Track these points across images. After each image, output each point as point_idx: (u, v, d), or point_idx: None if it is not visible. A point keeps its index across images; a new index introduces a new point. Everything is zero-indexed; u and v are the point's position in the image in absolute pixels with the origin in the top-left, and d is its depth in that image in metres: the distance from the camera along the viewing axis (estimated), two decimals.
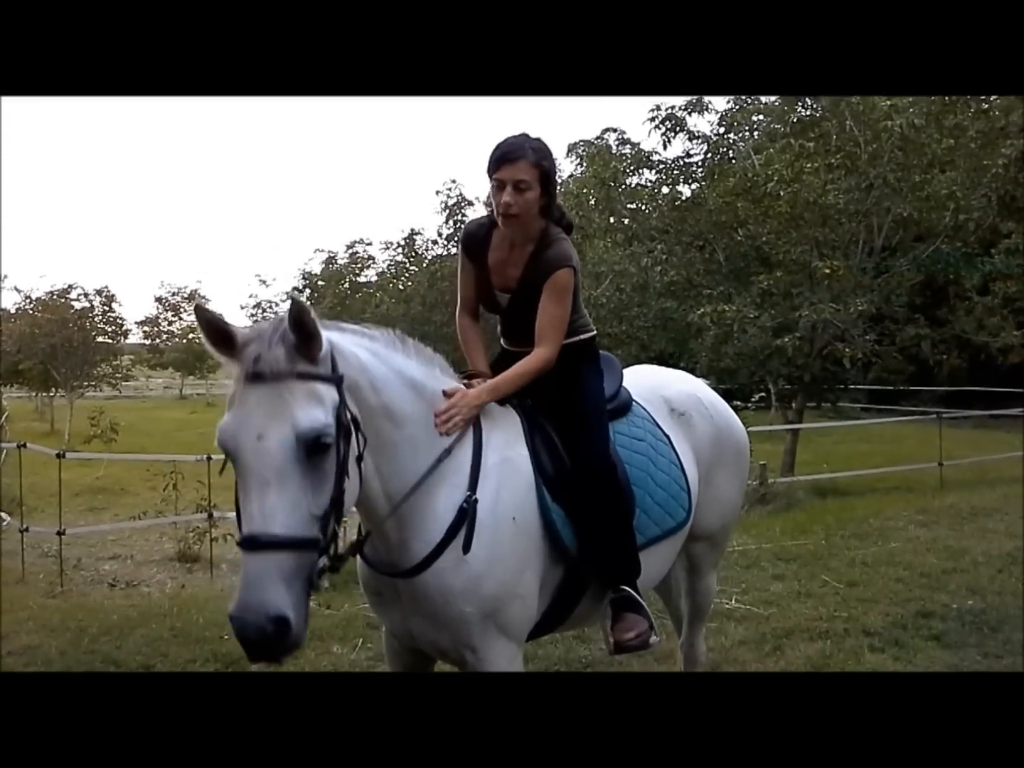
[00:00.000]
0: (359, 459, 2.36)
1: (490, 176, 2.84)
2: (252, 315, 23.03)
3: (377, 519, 2.58)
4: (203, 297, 42.25)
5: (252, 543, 2.10)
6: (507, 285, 3.00)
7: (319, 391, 2.23)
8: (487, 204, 3.07)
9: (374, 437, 2.46)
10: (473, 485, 2.64)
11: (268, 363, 2.18)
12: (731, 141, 15.80)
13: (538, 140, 2.90)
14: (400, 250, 21.45)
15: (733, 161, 14.91)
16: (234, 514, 2.24)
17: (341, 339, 2.44)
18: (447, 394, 2.68)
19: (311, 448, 2.16)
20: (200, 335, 2.28)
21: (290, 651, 2.13)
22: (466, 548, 2.57)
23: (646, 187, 15.57)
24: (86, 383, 26.55)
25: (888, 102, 12.14)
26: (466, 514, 2.59)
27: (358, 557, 2.80)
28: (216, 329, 2.26)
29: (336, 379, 2.30)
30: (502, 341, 3.21)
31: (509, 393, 2.85)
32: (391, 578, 2.68)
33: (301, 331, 2.21)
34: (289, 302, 2.22)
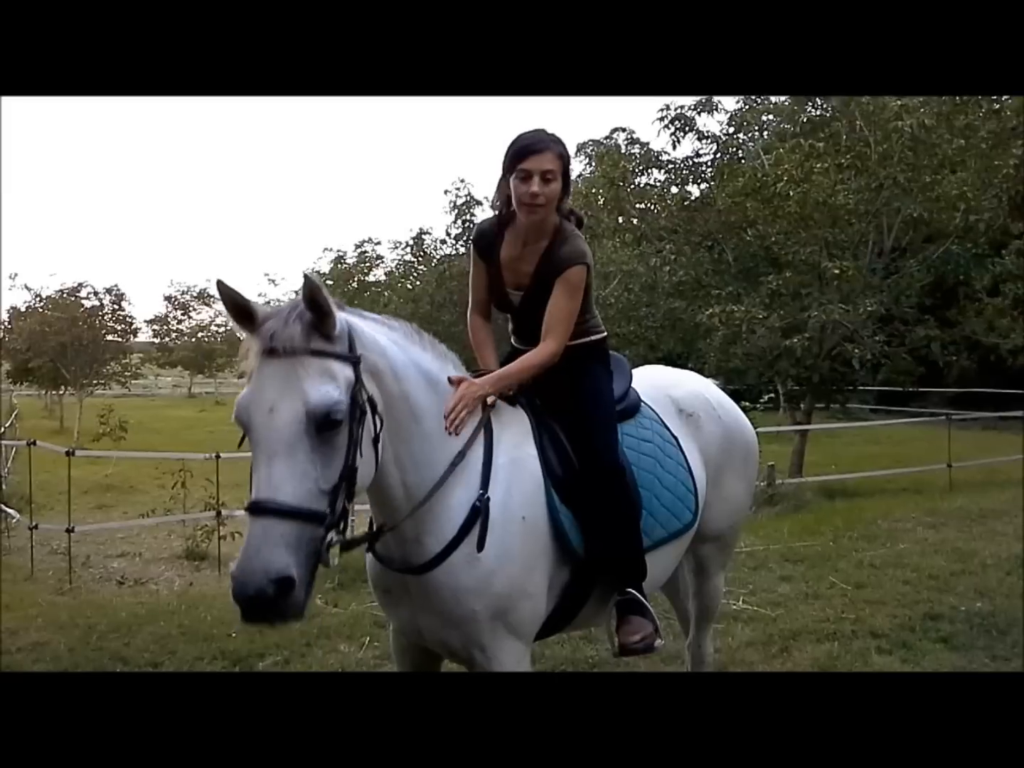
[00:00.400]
0: (375, 441, 2.38)
1: (512, 168, 2.82)
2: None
3: (394, 511, 2.58)
4: (211, 296, 42.51)
5: (257, 508, 2.13)
6: (519, 282, 2.99)
7: (332, 368, 2.27)
8: (494, 206, 3.05)
9: (395, 425, 2.49)
10: (485, 483, 2.65)
11: (283, 339, 2.23)
12: (740, 141, 15.76)
13: (555, 135, 2.91)
14: (408, 249, 21.48)
15: (742, 161, 14.87)
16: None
17: (362, 324, 2.48)
18: (452, 381, 2.68)
19: (321, 423, 2.19)
20: (223, 310, 2.34)
21: (288, 615, 2.12)
22: (480, 546, 2.58)
23: (655, 187, 15.53)
24: (95, 381, 26.64)
25: (898, 102, 12.08)
26: (479, 512, 2.60)
27: (368, 554, 2.82)
28: (237, 305, 2.32)
29: (352, 359, 2.33)
30: (512, 340, 3.20)
31: (513, 385, 2.85)
32: (401, 574, 2.68)
33: (315, 308, 2.27)
34: (303, 280, 2.26)
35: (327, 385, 2.23)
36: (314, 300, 2.26)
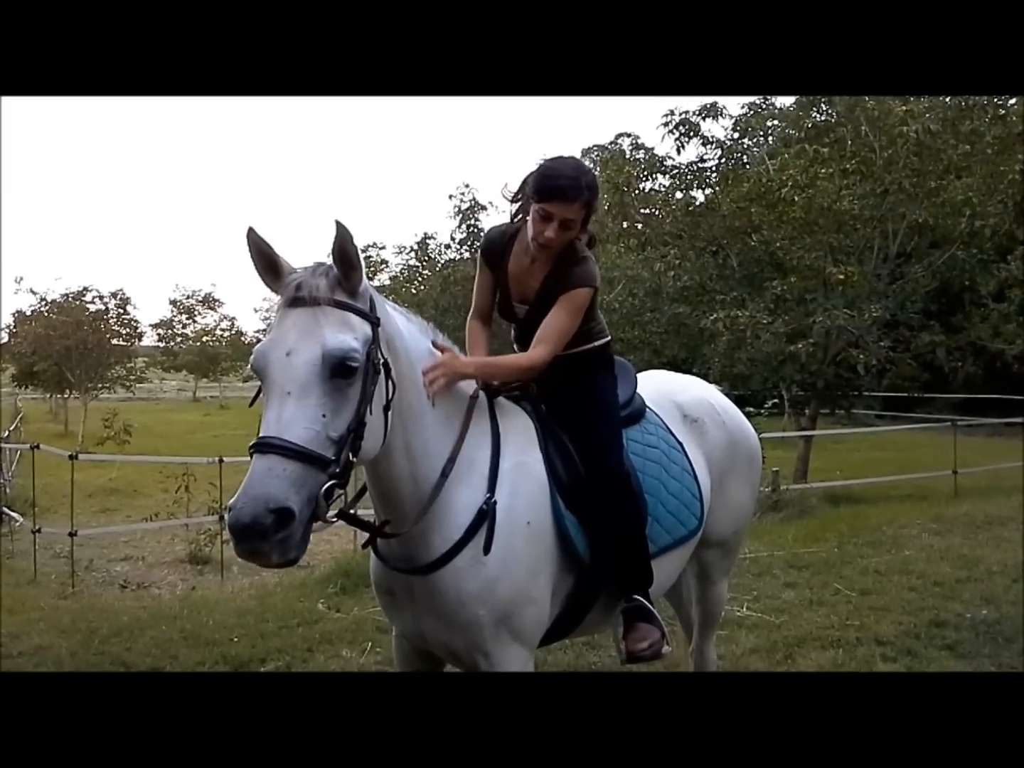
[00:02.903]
0: (386, 408, 2.38)
1: (536, 199, 2.75)
2: (265, 318, 23.18)
3: (402, 506, 2.57)
4: (216, 301, 42.62)
5: (263, 446, 2.13)
6: (526, 296, 2.97)
7: (352, 320, 2.31)
8: (514, 199, 2.98)
9: (407, 411, 2.50)
10: (492, 487, 2.64)
11: (308, 289, 2.28)
12: (745, 146, 15.79)
13: (591, 174, 2.84)
14: (413, 254, 21.53)
15: (747, 166, 14.88)
16: None
17: (385, 304, 2.52)
18: (437, 346, 2.67)
19: (336, 369, 2.21)
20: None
21: (283, 550, 2.08)
22: (486, 549, 2.57)
23: (660, 192, 15.55)
24: (100, 385, 26.72)
25: (904, 107, 12.08)
26: (485, 515, 2.59)
27: (371, 554, 2.81)
28: (264, 255, 2.36)
29: (373, 318, 2.37)
30: (515, 347, 3.19)
31: (494, 379, 2.84)
32: (406, 576, 2.66)
33: (343, 257, 2.30)
34: (335, 227, 2.27)
35: (346, 334, 2.26)
36: (343, 250, 2.29)
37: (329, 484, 2.17)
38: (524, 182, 2.89)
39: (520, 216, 2.93)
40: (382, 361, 2.36)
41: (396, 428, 2.47)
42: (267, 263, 2.37)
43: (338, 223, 2.26)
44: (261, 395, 2.29)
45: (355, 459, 2.26)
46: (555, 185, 2.73)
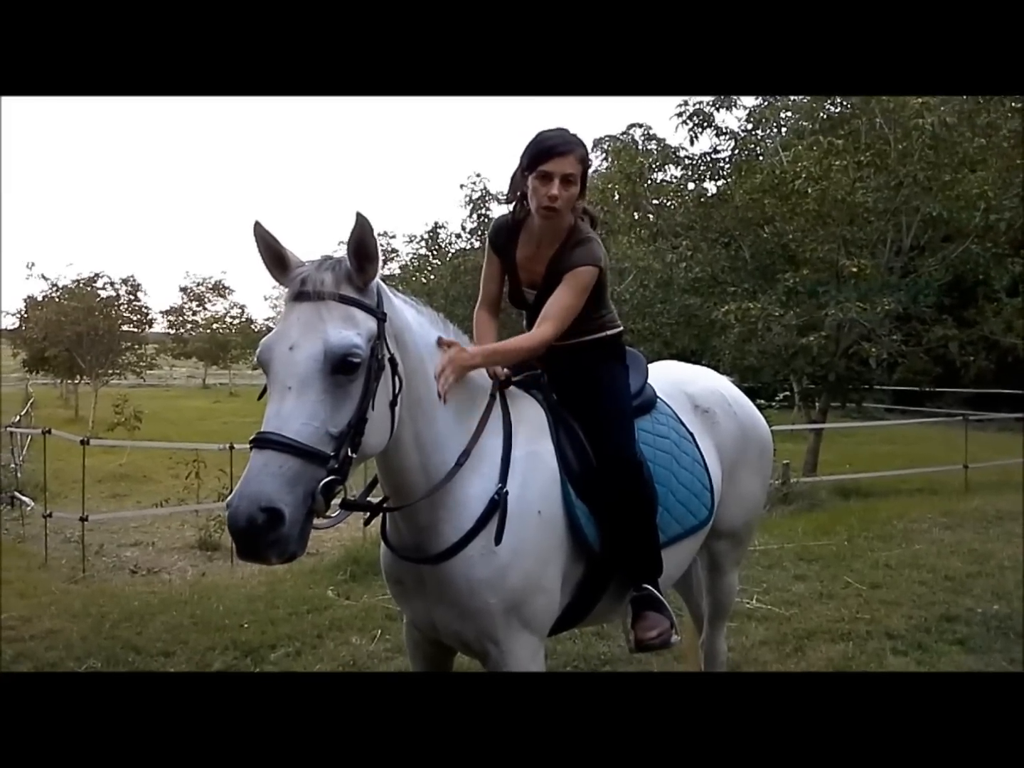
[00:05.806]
0: (392, 404, 2.37)
1: (532, 167, 2.79)
2: (275, 306, 23.24)
3: (411, 495, 2.56)
4: (226, 288, 42.73)
5: (261, 441, 2.14)
6: (534, 280, 2.98)
7: (356, 315, 2.30)
8: (508, 200, 3.01)
9: (416, 403, 2.49)
10: (504, 476, 2.64)
11: (313, 283, 2.28)
12: (759, 137, 15.66)
13: (576, 135, 2.87)
14: (423, 244, 21.54)
15: (760, 158, 14.77)
16: None
17: (394, 298, 2.51)
18: (442, 343, 2.63)
19: (338, 365, 2.21)
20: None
21: (280, 550, 2.10)
22: (498, 539, 2.57)
23: (672, 183, 15.46)
24: (111, 371, 26.84)
25: (919, 100, 11.97)
26: (497, 505, 2.59)
27: (381, 544, 2.82)
28: (272, 250, 2.36)
29: (378, 314, 2.35)
30: None
31: (502, 363, 2.81)
32: (416, 566, 2.66)
33: (360, 249, 2.29)
34: (355, 218, 2.26)
35: (349, 330, 2.25)
36: (363, 241, 2.29)
37: (328, 480, 2.16)
38: (512, 176, 2.93)
39: (522, 204, 2.93)
40: (388, 356, 2.35)
41: (405, 421, 2.46)
42: (274, 257, 2.36)
43: (359, 214, 2.25)
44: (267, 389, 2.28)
45: (355, 455, 2.26)
46: (547, 146, 2.79)
